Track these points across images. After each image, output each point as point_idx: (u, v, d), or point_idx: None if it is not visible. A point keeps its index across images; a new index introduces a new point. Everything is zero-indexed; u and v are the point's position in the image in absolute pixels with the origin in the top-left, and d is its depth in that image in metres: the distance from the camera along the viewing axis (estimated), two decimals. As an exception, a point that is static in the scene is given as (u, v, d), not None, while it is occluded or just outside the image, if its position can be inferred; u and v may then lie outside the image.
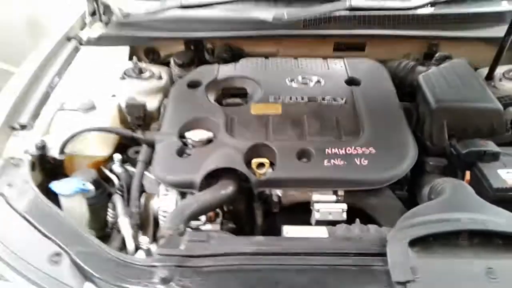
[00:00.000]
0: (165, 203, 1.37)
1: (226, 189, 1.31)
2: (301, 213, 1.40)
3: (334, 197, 1.35)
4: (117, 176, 1.50)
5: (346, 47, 2.00)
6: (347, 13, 1.95)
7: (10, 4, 3.01)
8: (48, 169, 1.47)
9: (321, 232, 1.22)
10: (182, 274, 1.03)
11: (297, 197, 1.40)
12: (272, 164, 1.39)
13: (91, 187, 1.35)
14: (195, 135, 1.47)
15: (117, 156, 1.52)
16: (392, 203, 1.37)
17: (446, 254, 1.06)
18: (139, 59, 1.95)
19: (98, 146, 1.53)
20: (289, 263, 1.06)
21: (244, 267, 1.05)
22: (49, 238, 1.14)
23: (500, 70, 1.82)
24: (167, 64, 2.01)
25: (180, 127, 1.50)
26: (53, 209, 1.23)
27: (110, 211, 1.40)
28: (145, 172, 1.49)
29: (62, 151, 1.48)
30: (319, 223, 1.34)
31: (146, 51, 2.06)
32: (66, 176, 1.45)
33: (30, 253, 1.12)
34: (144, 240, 1.20)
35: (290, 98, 1.60)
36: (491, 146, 1.40)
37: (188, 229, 1.22)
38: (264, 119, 1.52)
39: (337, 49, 2.01)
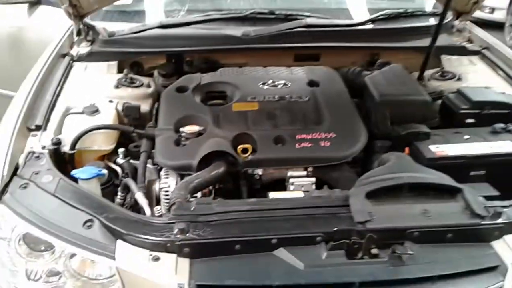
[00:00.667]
0: (166, 185, 1.66)
1: (219, 168, 1.61)
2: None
3: (305, 173, 1.69)
4: (121, 167, 1.78)
5: (304, 57, 2.37)
6: (304, 29, 2.34)
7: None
8: (61, 162, 1.72)
9: (298, 194, 1.55)
10: (195, 227, 1.32)
11: (274, 175, 1.72)
12: (253, 150, 1.71)
13: (105, 172, 1.62)
14: (188, 129, 1.77)
15: (121, 150, 1.79)
16: (350, 176, 1.71)
17: (393, 202, 1.41)
18: (120, 72, 2.23)
19: (103, 142, 1.80)
20: (276, 214, 1.38)
21: (242, 219, 1.36)
22: (80, 209, 1.40)
23: (428, 72, 2.25)
24: (150, 75, 2.31)
25: (174, 123, 1.80)
26: (77, 187, 1.49)
27: (119, 194, 1.67)
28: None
29: (73, 147, 1.74)
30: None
31: (131, 64, 2.34)
32: (75, 168, 1.70)
33: (67, 223, 1.37)
34: (157, 208, 1.48)
35: (264, 98, 1.93)
36: (423, 128, 1.79)
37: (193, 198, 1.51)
38: (244, 114, 1.85)
39: (296, 60, 2.38)
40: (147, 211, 1.48)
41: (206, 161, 1.64)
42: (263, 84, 2.04)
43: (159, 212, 1.51)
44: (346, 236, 1.32)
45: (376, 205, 1.39)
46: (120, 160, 1.79)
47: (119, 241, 1.32)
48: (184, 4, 2.60)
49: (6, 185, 1.49)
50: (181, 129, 1.78)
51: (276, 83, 2.05)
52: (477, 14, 6.91)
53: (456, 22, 2.58)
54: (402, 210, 1.39)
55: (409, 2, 2.92)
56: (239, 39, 2.30)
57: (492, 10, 6.98)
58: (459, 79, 2.20)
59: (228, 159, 1.65)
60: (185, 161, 1.65)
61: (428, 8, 2.77)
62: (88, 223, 1.36)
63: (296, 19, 2.41)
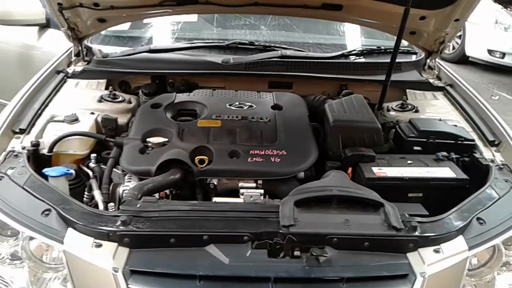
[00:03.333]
0: (128, 187, 1.84)
1: (174, 175, 1.79)
2: None
3: (254, 184, 1.85)
4: (92, 170, 1.97)
5: (278, 85, 2.57)
6: (279, 60, 2.55)
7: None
8: (39, 163, 1.92)
9: (239, 200, 1.71)
10: (137, 220, 1.49)
11: (228, 185, 1.88)
12: (210, 161, 1.88)
13: (73, 172, 1.82)
14: (154, 140, 1.96)
15: (93, 155, 1.99)
16: (296, 190, 1.87)
17: (320, 211, 1.56)
18: (114, 89, 2.47)
19: (78, 147, 2.00)
20: (211, 215, 1.54)
21: (180, 217, 1.52)
22: (41, 200, 1.59)
23: (391, 103, 2.42)
24: (136, 93, 2.53)
25: (143, 134, 2.00)
26: (44, 182, 1.69)
27: (86, 194, 1.85)
28: (114, 168, 1.97)
29: (51, 150, 1.94)
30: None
31: (119, 83, 2.58)
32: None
33: (28, 210, 1.55)
34: (110, 205, 1.66)
35: (228, 117, 2.12)
36: (369, 152, 1.94)
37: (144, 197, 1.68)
38: (207, 130, 2.03)
39: (271, 86, 2.57)
40: (101, 206, 1.66)
41: (164, 168, 1.82)
42: (230, 105, 2.23)
43: (112, 209, 1.69)
44: (271, 238, 1.47)
45: (303, 213, 1.53)
46: (92, 164, 1.98)
47: (69, 229, 1.50)
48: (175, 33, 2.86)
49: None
50: (148, 140, 1.97)
51: (242, 104, 2.24)
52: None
53: (427, 60, 2.75)
54: (326, 218, 1.53)
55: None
56: (219, 65, 2.51)
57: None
58: (416, 111, 2.35)
59: (184, 167, 1.82)
60: (146, 167, 1.83)
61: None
62: (46, 212, 1.54)
63: (274, 50, 2.63)
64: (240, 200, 1.75)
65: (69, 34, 2.52)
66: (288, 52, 2.59)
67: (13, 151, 1.84)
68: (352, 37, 3.04)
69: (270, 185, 1.86)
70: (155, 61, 2.56)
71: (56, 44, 3.11)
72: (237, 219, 1.53)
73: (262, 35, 2.89)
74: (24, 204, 1.59)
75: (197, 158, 1.88)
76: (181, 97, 2.31)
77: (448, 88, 2.56)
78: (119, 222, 1.48)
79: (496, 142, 2.04)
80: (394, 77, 2.51)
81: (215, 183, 1.88)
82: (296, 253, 1.47)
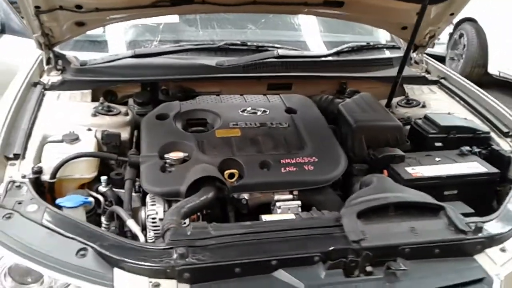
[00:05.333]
0: (154, 211, 1.64)
1: (208, 194, 1.61)
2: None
3: (291, 196, 1.73)
4: (103, 195, 1.74)
5: (277, 86, 2.45)
6: (276, 60, 2.43)
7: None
8: (40, 191, 1.66)
9: (290, 216, 1.58)
10: (194, 251, 1.32)
11: (261, 199, 1.74)
12: (240, 175, 1.73)
13: (92, 200, 1.59)
14: (173, 155, 1.77)
15: (104, 178, 1.76)
16: (333, 198, 1.78)
17: (382, 221, 1.47)
18: (94, 100, 2.21)
19: (85, 170, 1.76)
20: (272, 236, 1.40)
21: (239, 242, 1.37)
22: (71, 238, 1.36)
23: (394, 100, 2.39)
24: (124, 104, 2.29)
25: (159, 150, 1.79)
26: (65, 215, 1.45)
27: (104, 222, 1.63)
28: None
29: (54, 176, 1.69)
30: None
31: (104, 93, 2.32)
32: (54, 198, 1.65)
33: (59, 253, 1.32)
34: (149, 235, 1.46)
35: (245, 124, 1.97)
36: (398, 151, 1.89)
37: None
38: (228, 140, 1.87)
39: (270, 88, 2.45)
40: (141, 237, 1.46)
41: (194, 187, 1.64)
42: (243, 111, 2.08)
43: (151, 239, 1.49)
44: (343, 255, 1.36)
45: (366, 225, 1.44)
46: (102, 188, 1.75)
47: (116, 269, 1.29)
48: (154, 35, 2.63)
49: (-11, 216, 1.43)
50: (166, 156, 1.78)
51: (256, 110, 2.10)
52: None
53: (414, 55, 2.76)
54: (392, 228, 1.45)
55: (366, 36, 3.10)
56: (214, 68, 2.35)
57: (433, 44, 7.46)
58: (423, 106, 2.34)
59: (216, 184, 1.66)
60: (173, 187, 1.64)
61: (383, 41, 2.96)
62: (82, 252, 1.32)
63: (267, 50, 2.50)
64: (289, 215, 1.61)
65: (40, 41, 2.22)
66: (284, 52, 2.48)
67: (14, 182, 1.57)
68: (311, 33, 2.95)
69: (305, 196, 1.75)
70: (143, 67, 2.33)
71: (13, 51, 2.78)
72: (301, 238, 1.40)
73: (246, 35, 2.74)
74: (50, 244, 1.35)
75: (226, 172, 1.72)
76: (186, 105, 2.11)
77: (443, 81, 2.58)
78: (175, 256, 1.29)
79: (510, 133, 2.07)
80: (388, 72, 2.50)
81: (247, 198, 1.73)
82: (368, 268, 1.38)
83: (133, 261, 1.29)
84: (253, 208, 1.75)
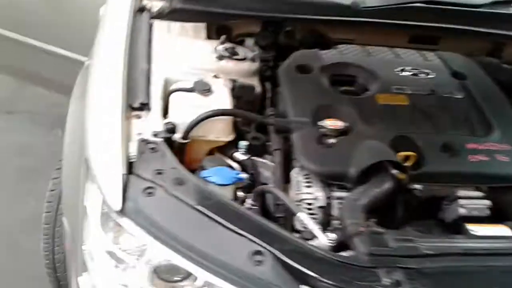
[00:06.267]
0: (311, 196, 1.29)
1: (384, 184, 1.26)
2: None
3: (479, 193, 1.36)
4: (241, 164, 1.39)
5: (421, 39, 2.00)
6: (424, 6, 1.96)
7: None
8: (170, 154, 1.32)
9: (506, 231, 1.21)
10: (409, 276, 0.98)
11: (438, 192, 1.38)
12: (417, 160, 1.36)
13: (244, 175, 1.24)
14: (330, 124, 1.40)
15: (243, 143, 1.40)
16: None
17: None
18: (209, 37, 1.83)
19: (222, 131, 1.41)
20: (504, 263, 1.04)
21: (462, 268, 1.02)
22: (239, 234, 1.03)
23: None
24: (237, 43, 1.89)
25: (310, 115, 1.42)
26: (227, 199, 1.11)
27: (249, 203, 1.28)
28: (267, 162, 1.41)
29: (187, 135, 1.34)
30: (459, 219, 1.33)
31: (217, 29, 1.91)
32: (182, 162, 1.31)
33: (226, 254, 1.00)
34: (331, 236, 1.11)
35: (411, 90, 1.57)
36: None
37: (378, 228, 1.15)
38: (393, 110, 1.49)
39: (412, 41, 2.00)
40: (323, 240, 1.12)
41: (363, 172, 1.28)
42: (402, 71, 1.67)
43: (331, 242, 1.14)
44: None
45: None
46: (240, 155, 1.40)
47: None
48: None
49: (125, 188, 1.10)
50: (320, 123, 1.41)
51: (416, 71, 1.68)
52: None
53: None
54: None
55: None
56: (348, 10, 1.89)
57: None
58: None
59: (392, 171, 1.29)
60: (337, 168, 1.29)
61: None
62: (258, 257, 0.99)
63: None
64: (503, 230, 1.24)
65: None
66: None
67: (146, 141, 1.23)
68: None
69: (496, 194, 1.38)
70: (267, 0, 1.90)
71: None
72: None
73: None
74: (210, 239, 1.03)
75: (401, 154, 1.35)
76: (329, 56, 1.71)
77: None
78: (387, 282, 0.96)
79: None
80: None
81: (421, 189, 1.37)
82: None
83: (330, 282, 0.96)
84: (423, 204, 1.39)
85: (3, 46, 2.94)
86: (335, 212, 1.27)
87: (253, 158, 1.40)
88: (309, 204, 1.29)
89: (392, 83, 1.59)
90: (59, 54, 2.76)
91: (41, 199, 2.65)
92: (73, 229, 1.32)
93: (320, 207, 1.28)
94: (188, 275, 1.04)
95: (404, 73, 1.66)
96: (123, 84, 1.33)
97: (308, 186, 1.31)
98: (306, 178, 1.32)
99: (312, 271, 0.97)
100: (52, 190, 1.80)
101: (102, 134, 1.21)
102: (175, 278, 1.04)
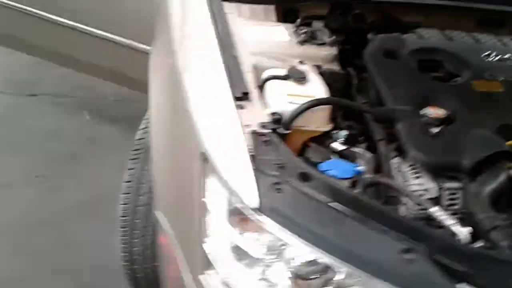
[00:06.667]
0: (421, 187, 1.25)
1: (503, 174, 1.21)
2: None
3: None
4: (341, 155, 1.35)
5: (489, 22, 1.96)
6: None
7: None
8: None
9: None
10: None
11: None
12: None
13: (363, 168, 1.20)
14: (433, 112, 1.36)
15: (343, 132, 1.35)
16: None
17: None
18: (278, 20, 1.76)
19: (322, 121, 1.35)
20: None
21: None
22: (385, 232, 0.99)
23: None
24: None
25: (410, 103, 1.38)
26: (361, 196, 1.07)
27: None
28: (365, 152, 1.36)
29: (289, 126, 1.28)
30: None
31: (284, 11, 1.84)
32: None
33: (370, 250, 0.96)
34: (466, 230, 1.08)
35: (503, 76, 1.54)
36: None
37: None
38: (490, 98, 1.45)
39: (479, 24, 1.96)
40: (462, 236, 1.08)
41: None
42: (487, 56, 1.63)
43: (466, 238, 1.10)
44: None
45: None
46: (339, 145, 1.35)
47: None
48: None
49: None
50: (422, 112, 1.36)
51: (501, 56, 1.64)
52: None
53: None
54: None
55: None
56: None
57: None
58: None
59: (506, 164, 1.25)
60: (451, 159, 1.25)
61: None
62: (408, 255, 0.95)
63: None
64: None
65: None
66: None
67: (257, 133, 1.17)
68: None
69: None
70: None
71: None
72: None
73: None
74: (349, 236, 0.99)
75: (508, 143, 1.32)
76: (412, 41, 1.65)
77: None
78: None
79: None
80: None
81: None
82: None
83: (490, 279, 0.93)
84: None
85: (24, 22, 2.78)
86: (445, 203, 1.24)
87: (352, 149, 1.36)
88: (420, 196, 1.25)
89: (484, 69, 1.55)
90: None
91: (80, 185, 2.60)
92: (180, 224, 1.27)
93: (430, 198, 1.25)
94: (325, 272, 1.00)
95: (489, 59, 1.62)
96: (226, 72, 1.26)
97: (417, 177, 1.27)
98: (413, 169, 1.28)
99: (469, 269, 0.93)
100: (128, 182, 1.72)
101: (219, 127, 1.15)
102: (314, 276, 1.00)
